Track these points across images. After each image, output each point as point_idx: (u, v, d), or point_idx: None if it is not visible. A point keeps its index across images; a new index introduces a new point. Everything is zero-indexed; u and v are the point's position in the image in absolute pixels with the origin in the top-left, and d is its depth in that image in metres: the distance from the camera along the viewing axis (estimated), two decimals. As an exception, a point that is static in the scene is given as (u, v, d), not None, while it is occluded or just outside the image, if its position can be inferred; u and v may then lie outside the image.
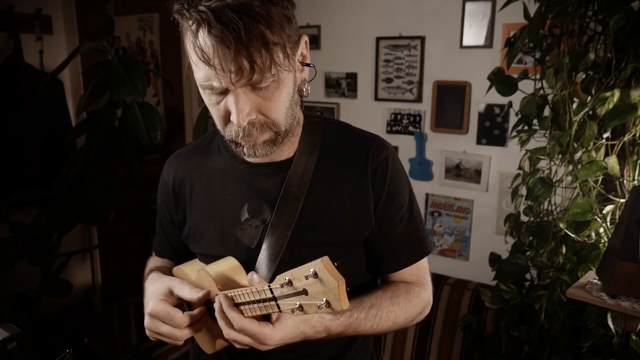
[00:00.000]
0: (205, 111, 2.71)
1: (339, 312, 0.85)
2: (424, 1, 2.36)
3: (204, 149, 1.05)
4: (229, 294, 0.85)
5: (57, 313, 3.12)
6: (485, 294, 1.77)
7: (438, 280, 2.07)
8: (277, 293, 0.73)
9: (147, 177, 2.46)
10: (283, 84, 0.82)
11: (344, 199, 0.95)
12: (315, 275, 0.67)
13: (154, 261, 1.14)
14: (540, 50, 1.71)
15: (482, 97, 2.25)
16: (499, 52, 2.17)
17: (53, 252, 2.52)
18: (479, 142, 2.33)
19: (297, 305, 0.70)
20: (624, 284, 1.29)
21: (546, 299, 1.58)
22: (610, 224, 1.53)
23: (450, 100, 2.37)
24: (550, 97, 1.65)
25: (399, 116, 2.53)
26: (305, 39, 0.87)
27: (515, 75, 1.74)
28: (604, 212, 1.51)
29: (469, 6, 2.25)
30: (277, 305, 0.74)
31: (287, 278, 0.70)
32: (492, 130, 2.29)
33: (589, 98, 1.49)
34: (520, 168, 1.73)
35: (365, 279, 1.03)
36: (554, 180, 1.66)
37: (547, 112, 1.67)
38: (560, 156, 1.61)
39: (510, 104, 1.78)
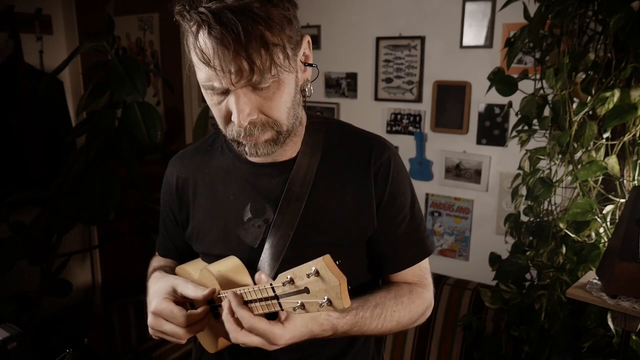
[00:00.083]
0: (205, 111, 2.71)
1: (341, 311, 0.85)
2: (424, 1, 2.36)
3: (207, 149, 1.05)
4: (230, 293, 0.85)
5: (57, 313, 3.12)
6: (485, 294, 1.77)
7: (438, 280, 2.07)
8: (279, 291, 0.73)
9: (147, 177, 2.47)
10: (284, 84, 0.82)
11: (346, 199, 0.95)
12: (317, 273, 0.67)
13: (157, 261, 1.15)
14: (540, 50, 1.71)
15: (482, 97, 2.25)
16: (499, 52, 2.17)
17: (53, 252, 2.52)
18: (479, 142, 2.33)
19: (298, 304, 0.71)
20: (624, 284, 1.29)
21: (546, 299, 1.58)
22: (610, 224, 1.53)
23: (450, 100, 2.37)
24: (550, 97, 1.65)
25: (399, 116, 2.53)
26: (307, 39, 0.87)
27: (515, 75, 1.74)
28: (604, 212, 1.51)
29: (469, 6, 2.25)
30: (279, 303, 0.74)
31: (288, 276, 0.70)
32: (492, 130, 2.29)
33: (589, 98, 1.49)
34: (520, 168, 1.73)
35: (366, 279, 1.03)
36: (554, 180, 1.66)
37: (547, 112, 1.67)
38: (560, 156, 1.61)
39: (510, 104, 1.78)
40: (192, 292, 0.89)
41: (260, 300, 0.77)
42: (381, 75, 2.54)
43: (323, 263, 0.67)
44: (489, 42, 2.23)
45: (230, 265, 0.92)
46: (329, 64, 2.66)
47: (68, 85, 3.24)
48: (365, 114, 2.62)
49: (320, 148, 0.97)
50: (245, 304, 0.80)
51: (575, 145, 1.55)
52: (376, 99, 2.58)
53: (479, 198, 2.38)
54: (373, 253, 1.00)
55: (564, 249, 1.59)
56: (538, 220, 1.74)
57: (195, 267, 0.99)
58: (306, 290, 0.69)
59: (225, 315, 0.80)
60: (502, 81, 1.73)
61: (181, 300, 0.92)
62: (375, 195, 0.96)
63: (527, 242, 1.76)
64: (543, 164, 1.70)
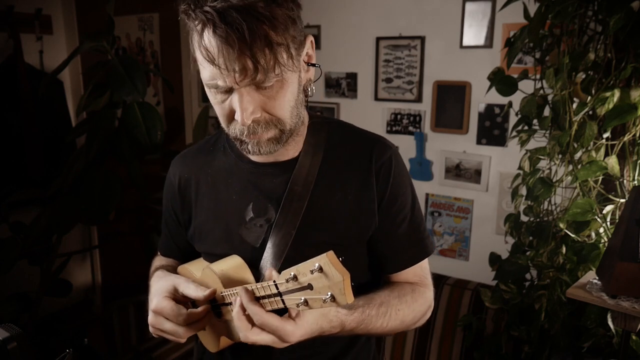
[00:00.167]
0: (205, 111, 2.71)
1: (344, 306, 0.85)
2: (424, 1, 2.36)
3: (210, 148, 1.06)
4: (235, 291, 0.85)
5: (57, 313, 3.12)
6: (485, 294, 1.77)
7: (438, 280, 2.07)
8: (282, 288, 0.73)
9: (147, 177, 2.46)
10: (287, 83, 0.83)
11: (348, 199, 0.95)
12: (321, 269, 0.67)
13: (159, 260, 1.15)
14: (540, 50, 1.71)
15: (482, 97, 2.25)
16: (499, 52, 2.17)
17: (53, 252, 2.52)
18: (479, 142, 2.33)
19: (302, 300, 0.71)
20: (624, 284, 1.29)
21: (546, 299, 1.58)
22: (610, 224, 1.53)
23: (450, 100, 2.37)
24: (550, 97, 1.65)
25: (399, 116, 2.53)
26: (310, 39, 0.88)
27: (515, 75, 1.74)
28: (604, 212, 1.51)
29: (469, 6, 2.25)
30: (282, 300, 0.74)
31: (292, 273, 0.71)
32: (492, 130, 2.29)
33: (589, 98, 1.49)
34: (520, 168, 1.73)
35: (367, 279, 1.03)
36: (554, 180, 1.66)
37: (547, 112, 1.67)
38: (560, 156, 1.61)
39: (510, 104, 1.78)
40: (193, 291, 0.89)
41: (263, 297, 0.77)
42: (381, 75, 2.54)
43: (327, 259, 0.67)
44: (489, 42, 2.23)
45: (233, 264, 0.92)
46: (329, 64, 2.66)
47: (68, 85, 3.24)
48: (365, 114, 2.62)
49: (322, 148, 0.98)
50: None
51: (575, 145, 1.55)
52: (376, 99, 2.58)
53: (479, 198, 2.38)
54: (373, 253, 1.00)
55: (564, 249, 1.59)
56: (538, 220, 1.74)
57: (197, 267, 1.00)
58: (309, 287, 0.69)
59: (237, 312, 0.79)
60: (502, 81, 1.73)
61: (182, 300, 0.92)
62: (377, 195, 0.96)
63: (527, 242, 1.76)
64: (543, 164, 1.70)
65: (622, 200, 1.51)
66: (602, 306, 1.34)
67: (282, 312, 0.77)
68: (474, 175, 2.36)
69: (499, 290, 1.72)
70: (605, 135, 1.50)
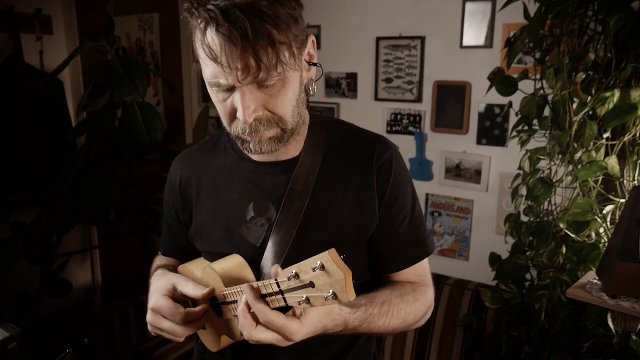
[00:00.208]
0: (205, 111, 2.71)
1: (346, 304, 0.85)
2: (424, 1, 2.36)
3: (211, 148, 1.06)
4: (236, 289, 0.85)
5: (57, 313, 3.12)
6: (485, 294, 1.77)
7: (438, 280, 2.07)
8: (283, 286, 0.73)
9: (147, 177, 2.46)
10: (289, 82, 0.83)
11: (348, 198, 0.96)
12: (322, 267, 0.67)
13: (160, 260, 1.15)
14: (540, 50, 1.71)
15: (482, 97, 2.25)
16: (499, 52, 2.17)
17: (53, 252, 2.52)
18: (479, 142, 2.33)
19: (303, 298, 0.71)
20: (624, 284, 1.29)
21: (546, 299, 1.58)
22: (610, 224, 1.53)
23: (450, 100, 2.37)
24: (550, 97, 1.65)
25: (399, 116, 2.53)
26: (312, 38, 0.88)
27: (515, 75, 1.74)
28: (604, 212, 1.51)
29: (469, 6, 2.25)
30: (284, 298, 0.74)
31: (293, 271, 0.71)
32: (492, 130, 2.29)
33: (589, 98, 1.49)
34: (520, 168, 1.73)
35: (367, 278, 1.03)
36: (554, 180, 1.66)
37: (547, 112, 1.67)
38: (560, 156, 1.61)
39: (510, 104, 1.78)
40: (192, 290, 0.89)
41: (265, 295, 0.77)
42: (381, 75, 2.54)
43: (328, 257, 0.67)
44: (489, 42, 2.23)
45: (234, 263, 0.92)
46: (329, 64, 2.66)
47: (68, 85, 3.24)
48: (365, 114, 2.62)
49: (323, 147, 0.98)
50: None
51: (575, 145, 1.55)
52: (376, 99, 2.58)
53: (479, 198, 2.38)
54: (374, 252, 1.01)
55: (564, 249, 1.59)
56: (538, 220, 1.74)
57: (198, 266, 1.00)
58: (311, 285, 0.69)
59: (241, 310, 0.78)
60: (502, 81, 1.73)
61: (181, 299, 0.92)
62: (377, 194, 0.96)
63: (527, 242, 1.76)
64: (543, 164, 1.70)
65: (622, 200, 1.51)
66: (602, 306, 1.34)
67: (283, 310, 0.77)
68: (474, 175, 2.36)
69: (499, 290, 1.72)
70: (605, 135, 1.50)
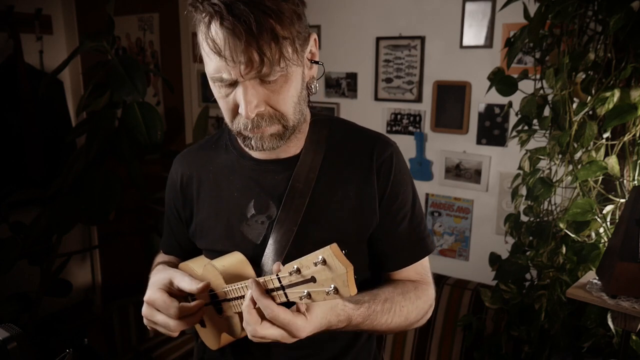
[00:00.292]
0: (205, 111, 2.71)
1: (350, 301, 0.85)
2: (424, 1, 2.36)
3: (212, 146, 1.06)
4: (237, 286, 0.85)
5: (57, 313, 3.12)
6: (485, 294, 1.77)
7: (438, 280, 2.07)
8: (285, 282, 0.73)
9: (147, 177, 2.47)
10: (291, 78, 0.84)
11: (349, 196, 0.96)
12: (324, 262, 0.67)
13: (161, 257, 1.16)
14: (540, 50, 1.71)
15: (482, 97, 2.25)
16: (499, 52, 2.17)
17: (53, 252, 2.52)
18: (479, 142, 2.33)
19: (305, 293, 0.71)
20: (624, 284, 1.29)
21: (546, 299, 1.58)
22: (610, 224, 1.53)
23: (450, 100, 2.37)
24: (550, 97, 1.65)
25: (399, 116, 2.53)
26: (314, 37, 0.89)
27: (515, 75, 1.74)
28: (604, 212, 1.51)
29: (469, 6, 2.25)
30: (285, 294, 0.74)
31: (295, 266, 0.71)
32: (492, 130, 2.29)
33: (589, 98, 1.49)
34: (520, 168, 1.73)
35: (367, 276, 1.03)
36: (554, 180, 1.66)
37: (547, 112, 1.67)
38: (560, 156, 1.61)
39: (510, 104, 1.78)
40: (187, 284, 0.89)
41: (267, 291, 0.77)
42: (381, 75, 2.54)
43: (330, 251, 0.67)
44: (489, 42, 2.23)
45: (235, 260, 0.92)
46: (329, 64, 2.66)
47: (68, 85, 3.24)
48: (365, 114, 2.62)
49: (324, 145, 0.98)
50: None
51: (575, 145, 1.55)
52: (376, 99, 2.58)
53: (479, 198, 2.38)
54: (374, 250, 1.01)
55: (564, 249, 1.59)
56: (538, 220, 1.74)
57: (198, 264, 1.00)
58: (313, 280, 0.70)
59: (247, 306, 0.78)
60: (502, 81, 1.73)
61: (178, 293, 0.92)
62: (377, 192, 0.97)
63: (527, 242, 1.76)
64: (543, 164, 1.70)
65: (622, 200, 1.51)
66: (602, 306, 1.34)
67: (285, 306, 0.77)
68: (474, 175, 2.36)
69: (499, 290, 1.72)
70: (605, 135, 1.50)
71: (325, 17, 2.64)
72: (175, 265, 1.07)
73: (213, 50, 0.78)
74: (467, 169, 2.38)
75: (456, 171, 2.41)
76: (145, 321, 0.93)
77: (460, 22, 2.28)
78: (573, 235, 1.56)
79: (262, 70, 0.78)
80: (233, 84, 0.82)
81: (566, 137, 1.53)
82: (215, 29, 0.77)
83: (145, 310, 0.91)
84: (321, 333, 0.83)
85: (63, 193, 2.35)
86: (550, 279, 1.58)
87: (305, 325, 0.77)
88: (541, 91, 1.68)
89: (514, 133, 1.77)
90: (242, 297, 0.85)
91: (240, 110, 0.83)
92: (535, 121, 1.72)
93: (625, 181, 1.54)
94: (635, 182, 1.50)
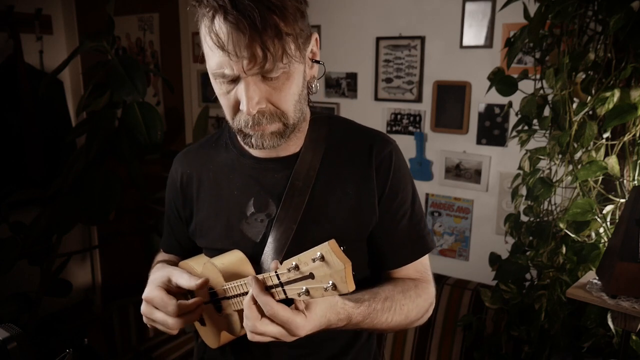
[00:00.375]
0: (205, 111, 2.71)
1: (350, 299, 0.85)
2: (424, 1, 2.36)
3: (212, 145, 1.06)
4: (237, 283, 0.85)
5: (57, 313, 3.12)
6: (485, 294, 1.77)
7: (438, 280, 2.07)
8: (283, 278, 0.73)
9: (147, 177, 2.46)
10: (293, 76, 0.84)
11: (348, 194, 0.96)
12: (322, 258, 0.67)
13: (161, 256, 1.16)
14: (540, 50, 1.71)
15: (482, 97, 2.25)
16: (499, 52, 2.17)
17: (53, 252, 2.52)
18: (479, 142, 2.33)
19: (303, 290, 0.71)
20: (624, 284, 1.29)
21: (546, 299, 1.58)
22: (610, 224, 1.53)
23: (450, 100, 2.37)
24: (550, 97, 1.65)
25: (399, 116, 2.53)
26: (315, 36, 0.90)
27: (515, 75, 1.74)
28: (604, 212, 1.51)
29: (469, 6, 2.25)
30: (284, 291, 0.74)
31: (294, 263, 0.71)
32: (492, 130, 2.29)
33: (589, 98, 1.49)
34: (520, 168, 1.73)
35: (366, 275, 1.03)
36: (554, 180, 1.66)
37: (547, 112, 1.67)
38: (560, 156, 1.61)
39: (510, 104, 1.78)
40: (186, 281, 0.89)
41: (265, 289, 0.77)
42: (381, 75, 2.54)
43: (328, 247, 0.67)
44: (489, 42, 2.23)
45: (234, 258, 0.93)
46: (329, 64, 2.66)
47: (68, 85, 3.24)
48: (365, 114, 2.62)
49: (324, 143, 0.98)
50: (246, 294, 0.80)
51: (575, 145, 1.55)
52: (376, 99, 2.58)
53: (479, 198, 2.38)
54: (373, 249, 1.01)
55: (564, 249, 1.59)
56: (538, 220, 1.74)
57: (198, 262, 1.00)
58: (311, 276, 0.70)
59: (247, 302, 0.78)
60: (502, 81, 1.73)
61: (177, 291, 0.92)
62: (377, 190, 0.97)
63: (527, 242, 1.76)
64: (543, 164, 1.70)
65: (622, 200, 1.51)
66: (602, 306, 1.34)
67: (285, 304, 0.77)
68: (474, 175, 2.36)
69: (499, 290, 1.72)
70: (605, 135, 1.50)
71: (325, 17, 2.64)
72: (175, 264, 1.07)
73: (216, 44, 0.77)
74: (467, 169, 2.38)
75: (456, 171, 2.41)
76: (144, 319, 0.93)
77: (460, 22, 2.28)
78: (573, 235, 1.56)
79: (265, 65, 0.78)
80: (235, 80, 0.82)
81: (566, 137, 1.53)
82: (219, 23, 0.77)
83: (144, 308, 0.92)
84: (321, 332, 0.82)
85: (63, 193, 2.35)
86: (550, 279, 1.58)
87: (305, 324, 0.77)
88: (541, 91, 1.68)
89: (514, 133, 1.77)
90: (241, 294, 0.86)
91: (241, 107, 0.83)
92: (535, 121, 1.72)
93: (625, 181, 1.54)
94: (635, 182, 1.50)
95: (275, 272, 0.74)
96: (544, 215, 1.74)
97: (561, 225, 1.57)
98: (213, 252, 0.99)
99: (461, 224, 2.45)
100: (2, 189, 2.68)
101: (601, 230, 1.55)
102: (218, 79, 0.83)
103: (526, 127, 1.75)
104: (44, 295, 2.50)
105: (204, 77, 2.79)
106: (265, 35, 0.75)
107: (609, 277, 1.31)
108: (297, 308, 0.77)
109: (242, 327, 0.87)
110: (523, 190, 1.74)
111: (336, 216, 0.95)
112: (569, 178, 1.59)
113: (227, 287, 0.88)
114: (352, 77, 2.63)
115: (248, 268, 0.91)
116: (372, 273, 1.04)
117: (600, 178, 1.52)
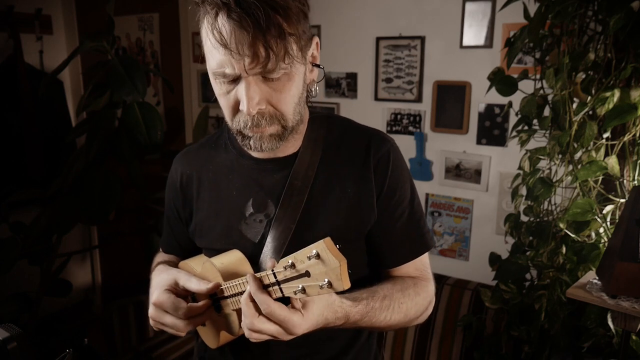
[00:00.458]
0: (205, 111, 2.71)
1: (348, 297, 0.85)
2: (424, 1, 2.36)
3: (212, 145, 1.06)
4: (235, 282, 0.85)
5: (57, 313, 3.12)
6: (485, 294, 1.77)
7: (438, 280, 2.07)
8: (280, 277, 0.74)
9: (147, 177, 2.46)
10: (294, 77, 0.84)
11: (347, 193, 0.96)
12: (318, 256, 0.68)
13: (161, 256, 1.16)
14: (540, 50, 1.71)
15: (482, 97, 2.25)
16: (499, 52, 2.17)
17: (53, 252, 2.52)
18: (479, 142, 2.33)
19: (299, 288, 0.71)
20: (624, 284, 1.29)
21: (546, 299, 1.58)
22: (610, 224, 1.53)
23: (450, 100, 2.37)
24: (550, 97, 1.65)
25: (399, 116, 2.53)
26: (316, 40, 0.90)
27: (515, 75, 1.74)
28: (604, 212, 1.51)
29: (469, 6, 2.25)
30: (280, 289, 0.75)
31: (290, 261, 0.71)
32: (492, 130, 2.29)
33: (589, 98, 1.49)
34: (520, 168, 1.73)
35: (365, 273, 1.03)
36: (554, 180, 1.66)
37: (547, 112, 1.67)
38: (560, 156, 1.61)
39: (510, 104, 1.78)
40: (196, 285, 0.89)
41: (263, 287, 0.77)
42: (381, 75, 2.54)
43: (324, 245, 0.68)
44: (489, 42, 2.23)
45: (233, 258, 0.93)
46: (329, 64, 2.66)
47: (68, 85, 3.23)
48: (365, 114, 2.62)
49: (322, 143, 0.99)
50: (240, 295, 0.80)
51: (575, 145, 1.55)
52: (376, 99, 2.58)
53: (479, 198, 2.38)
54: (372, 247, 1.01)
55: (564, 249, 1.59)
56: (538, 220, 1.74)
57: (198, 262, 1.00)
58: (307, 274, 0.70)
59: (245, 299, 0.78)
60: (502, 81, 1.73)
61: (182, 293, 0.92)
62: (375, 188, 0.97)
63: (527, 242, 1.76)
64: (543, 164, 1.70)
65: (622, 200, 1.51)
66: (602, 306, 1.34)
67: (281, 302, 0.77)
68: (474, 175, 2.36)
69: (499, 290, 1.72)
70: (605, 135, 1.50)
71: (325, 17, 2.64)
72: (175, 265, 1.07)
73: (219, 42, 0.77)
74: (467, 169, 2.38)
75: (456, 171, 2.41)
76: (152, 323, 0.93)
77: (460, 22, 2.28)
78: (573, 235, 1.56)
79: (267, 65, 0.78)
80: (235, 80, 0.82)
81: (566, 137, 1.53)
82: (222, 21, 0.76)
83: (152, 312, 0.91)
84: (319, 331, 0.83)
85: (63, 193, 2.35)
86: (550, 279, 1.58)
87: (302, 322, 0.77)
88: (541, 91, 1.68)
89: (514, 133, 1.77)
90: (240, 293, 0.86)
91: (241, 107, 0.83)
92: (535, 121, 1.72)
93: (625, 181, 1.54)
94: (635, 182, 1.50)
95: (272, 270, 0.74)
96: (544, 215, 1.74)
97: (561, 225, 1.57)
98: (212, 252, 0.99)
99: (461, 224, 2.45)
100: (2, 189, 2.67)
101: (601, 230, 1.55)
102: (218, 78, 0.83)
103: (526, 127, 1.75)
104: (44, 295, 2.50)
105: (204, 77, 2.78)
106: (269, 35, 0.75)
107: (609, 277, 1.31)
108: (294, 307, 0.77)
109: (240, 326, 0.88)
110: (523, 190, 1.74)
111: (334, 215, 0.95)
112: (569, 178, 1.59)
113: (226, 286, 0.89)
114: (352, 77, 2.63)
115: (247, 268, 0.91)
116: (371, 272, 1.04)
117: (600, 178, 1.52)
